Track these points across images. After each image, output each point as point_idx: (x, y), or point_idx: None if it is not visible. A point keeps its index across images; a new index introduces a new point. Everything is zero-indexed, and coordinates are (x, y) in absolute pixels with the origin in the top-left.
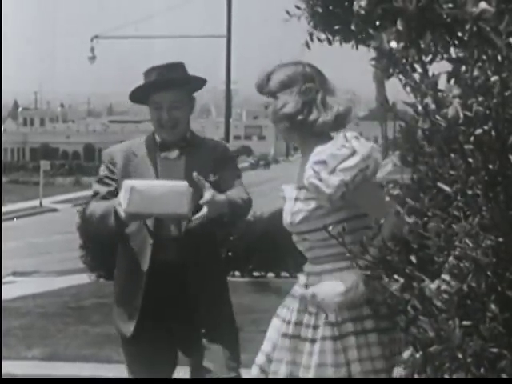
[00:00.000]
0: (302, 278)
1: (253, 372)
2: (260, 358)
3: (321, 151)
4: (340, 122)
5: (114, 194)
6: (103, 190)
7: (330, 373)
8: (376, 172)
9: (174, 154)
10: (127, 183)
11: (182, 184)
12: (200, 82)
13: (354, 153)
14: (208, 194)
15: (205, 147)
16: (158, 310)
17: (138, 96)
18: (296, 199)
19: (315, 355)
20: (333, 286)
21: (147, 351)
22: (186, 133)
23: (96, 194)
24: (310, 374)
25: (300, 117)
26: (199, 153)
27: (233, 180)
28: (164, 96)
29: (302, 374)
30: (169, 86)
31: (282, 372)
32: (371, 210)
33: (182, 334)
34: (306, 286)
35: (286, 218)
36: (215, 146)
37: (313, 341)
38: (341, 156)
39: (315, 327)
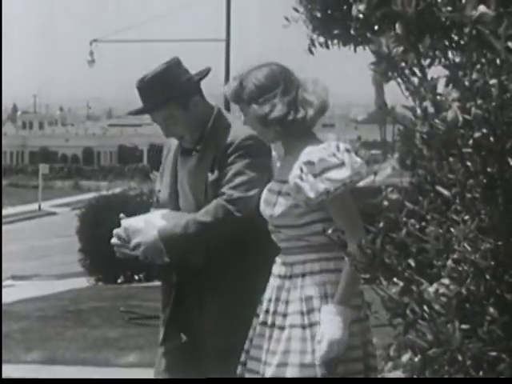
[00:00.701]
0: (275, 269)
1: (238, 372)
2: (242, 355)
3: (311, 152)
4: (321, 113)
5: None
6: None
7: (295, 360)
8: (356, 183)
9: (192, 156)
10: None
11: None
12: (196, 81)
13: (342, 165)
14: (135, 240)
15: (215, 142)
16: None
17: (137, 114)
18: (279, 193)
19: (282, 342)
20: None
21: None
22: (203, 135)
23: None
24: (275, 361)
25: (290, 117)
26: (209, 149)
27: (219, 187)
28: (155, 116)
29: (268, 359)
30: (150, 109)
31: (253, 355)
32: (342, 219)
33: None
34: (278, 276)
35: (266, 209)
36: (222, 141)
37: (281, 328)
38: (330, 163)
39: (285, 315)
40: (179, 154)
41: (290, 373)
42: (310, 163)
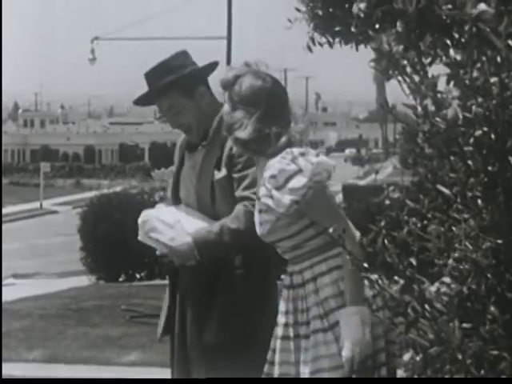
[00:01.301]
0: (286, 279)
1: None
2: (266, 367)
3: (271, 166)
4: (289, 146)
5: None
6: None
7: (325, 364)
8: (328, 178)
9: (197, 148)
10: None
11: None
12: (202, 72)
13: (300, 171)
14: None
15: (222, 139)
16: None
17: (142, 103)
18: (260, 211)
19: (310, 350)
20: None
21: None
22: (208, 130)
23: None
24: (307, 369)
25: (252, 145)
26: (215, 145)
27: (237, 184)
28: (160, 105)
29: (301, 369)
30: (152, 98)
31: (281, 373)
32: (323, 220)
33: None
34: (290, 286)
35: (257, 229)
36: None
37: (306, 336)
38: (290, 172)
39: (308, 323)
40: (185, 149)
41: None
42: (272, 177)
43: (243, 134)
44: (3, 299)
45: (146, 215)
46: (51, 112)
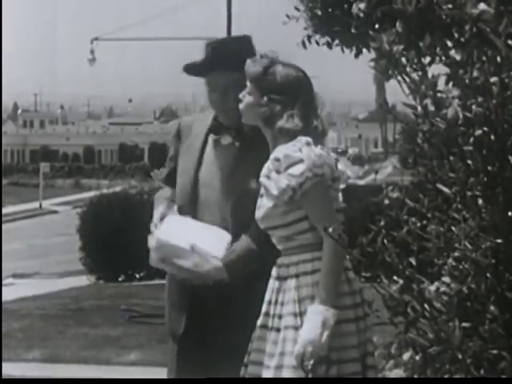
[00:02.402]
0: (274, 271)
1: (241, 374)
2: (245, 357)
3: (279, 150)
4: (320, 138)
5: (171, 177)
6: (164, 172)
7: (288, 362)
8: (331, 179)
9: (227, 140)
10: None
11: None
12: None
13: (302, 160)
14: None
15: (260, 139)
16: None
17: (193, 71)
18: (261, 195)
19: (279, 344)
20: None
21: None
22: (241, 126)
23: (164, 170)
24: (273, 363)
25: (302, 133)
26: (256, 144)
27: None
28: (217, 78)
29: (266, 361)
30: (217, 67)
31: (252, 359)
32: (315, 217)
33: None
34: (277, 278)
35: (256, 213)
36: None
37: (277, 330)
38: (293, 159)
39: (280, 317)
40: (210, 143)
41: (286, 375)
42: (276, 160)
43: (292, 124)
44: (3, 299)
45: (158, 240)
46: (51, 112)
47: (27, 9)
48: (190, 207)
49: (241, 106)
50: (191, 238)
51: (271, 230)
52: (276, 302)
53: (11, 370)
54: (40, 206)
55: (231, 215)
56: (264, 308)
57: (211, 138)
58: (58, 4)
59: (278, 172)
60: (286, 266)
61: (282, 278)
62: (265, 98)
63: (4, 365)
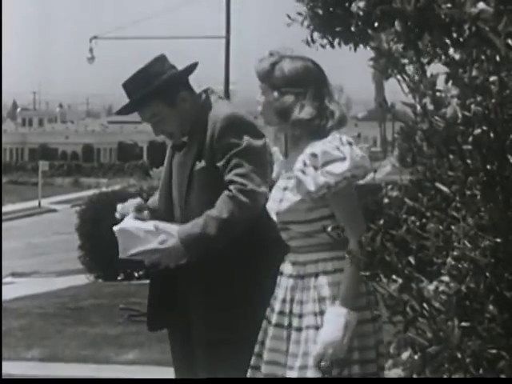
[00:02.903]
0: (286, 268)
1: (248, 375)
2: (253, 359)
3: (315, 145)
4: (339, 125)
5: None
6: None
7: (312, 362)
8: (361, 179)
9: (180, 154)
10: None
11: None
12: (183, 76)
13: (344, 159)
14: (153, 243)
15: (200, 130)
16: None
17: (127, 113)
18: (285, 188)
19: (302, 344)
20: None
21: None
22: (190, 127)
23: None
24: (297, 363)
25: (315, 122)
26: (195, 138)
27: (224, 172)
28: (142, 114)
29: (289, 362)
30: (134, 108)
31: (270, 361)
32: (343, 217)
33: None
34: (290, 276)
35: (273, 206)
36: (205, 126)
37: (298, 329)
38: (332, 156)
39: (300, 316)
40: (172, 151)
41: (310, 375)
42: (313, 155)
43: (304, 114)
44: (2, 298)
45: (120, 229)
46: (50, 111)
47: (27, 8)
48: (163, 207)
49: (259, 107)
50: (152, 223)
51: (291, 225)
52: (292, 300)
53: (10, 368)
54: (39, 204)
55: (185, 207)
56: (277, 306)
57: (174, 156)
58: (57, 3)
59: (316, 168)
60: (302, 264)
61: (298, 276)
62: (275, 93)
63: (3, 364)
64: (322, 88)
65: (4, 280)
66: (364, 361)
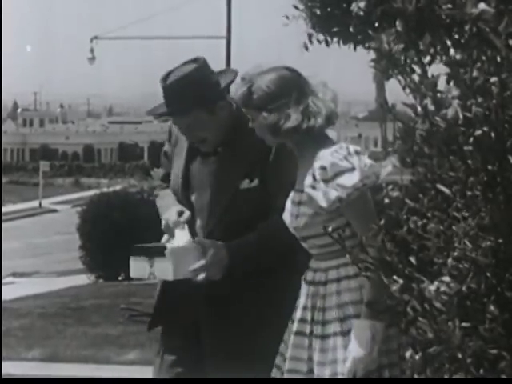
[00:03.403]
0: (308, 275)
1: (273, 373)
2: (278, 359)
3: (323, 157)
4: (329, 123)
5: (167, 178)
6: (162, 170)
7: (341, 369)
8: (372, 185)
9: (211, 154)
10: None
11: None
12: (221, 87)
13: (353, 169)
14: (204, 259)
15: (244, 143)
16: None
17: (156, 116)
18: (299, 203)
19: (329, 352)
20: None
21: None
22: (224, 139)
23: (160, 171)
24: (327, 371)
25: (304, 126)
26: (236, 151)
27: (276, 194)
28: (179, 121)
29: (317, 371)
30: (172, 114)
31: (291, 369)
32: (359, 225)
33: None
34: (312, 282)
35: (291, 221)
36: (258, 142)
37: (323, 337)
38: (341, 168)
39: (324, 323)
40: (193, 155)
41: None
42: (322, 169)
43: (291, 123)
44: (3, 298)
45: (173, 249)
46: (50, 111)
47: (27, 8)
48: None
49: (256, 133)
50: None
51: (311, 239)
52: (314, 307)
53: (11, 368)
54: (40, 204)
55: (219, 219)
56: (298, 314)
57: (197, 158)
58: (57, 3)
59: (325, 181)
60: (323, 271)
61: (319, 283)
62: (264, 114)
63: (4, 364)
64: (303, 90)
65: (5, 280)
66: (392, 364)
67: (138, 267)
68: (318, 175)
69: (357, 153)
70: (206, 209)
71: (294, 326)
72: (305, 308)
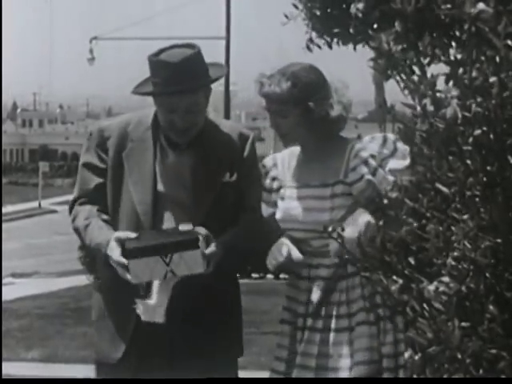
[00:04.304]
0: (313, 272)
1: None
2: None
3: (364, 148)
4: (349, 112)
5: (102, 188)
6: (89, 183)
7: (365, 357)
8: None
9: (181, 146)
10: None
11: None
12: (220, 72)
13: (398, 155)
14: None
15: (219, 138)
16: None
17: (143, 91)
18: (332, 196)
19: (356, 340)
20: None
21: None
22: (201, 129)
23: (84, 187)
24: (349, 361)
25: (345, 115)
26: (211, 146)
27: (249, 188)
28: (179, 100)
29: (341, 363)
30: (187, 92)
31: (299, 363)
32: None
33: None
34: (323, 278)
35: (315, 216)
36: (232, 137)
37: (341, 330)
38: (386, 155)
39: (349, 316)
40: (165, 150)
41: (357, 372)
42: (372, 157)
43: (335, 111)
44: (2, 298)
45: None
46: (50, 112)
47: (26, 8)
48: (152, 220)
49: (282, 132)
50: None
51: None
52: (328, 302)
53: (10, 369)
54: (39, 205)
55: (206, 219)
56: (310, 309)
57: (162, 145)
58: (57, 3)
59: (381, 168)
60: (334, 266)
61: (332, 278)
62: (310, 104)
63: (3, 364)
64: (328, 82)
65: (4, 281)
66: (398, 367)
67: (149, 268)
68: (373, 163)
69: (389, 139)
70: (191, 204)
71: (309, 322)
72: (316, 303)
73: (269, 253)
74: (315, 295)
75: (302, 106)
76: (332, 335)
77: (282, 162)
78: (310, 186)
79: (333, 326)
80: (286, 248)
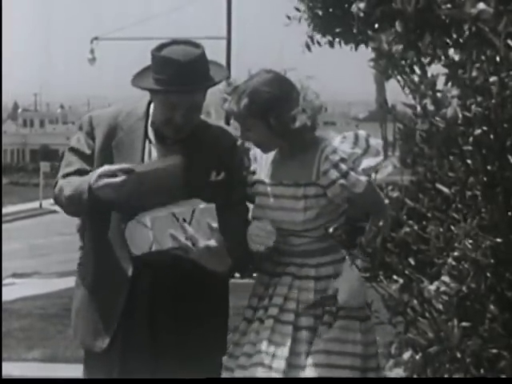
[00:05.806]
0: (310, 271)
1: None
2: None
3: (335, 149)
4: (319, 112)
5: (84, 173)
6: (73, 166)
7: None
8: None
9: (170, 141)
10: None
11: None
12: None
13: (370, 153)
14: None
15: (208, 136)
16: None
17: (146, 86)
18: (305, 196)
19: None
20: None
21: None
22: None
23: (67, 169)
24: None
25: (309, 123)
26: (200, 144)
27: (235, 189)
28: (182, 98)
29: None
30: (193, 92)
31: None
32: (374, 204)
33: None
34: (318, 278)
35: (290, 216)
36: (221, 136)
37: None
38: (357, 154)
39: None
40: (151, 142)
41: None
42: (342, 160)
43: (298, 122)
44: (3, 299)
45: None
46: (51, 112)
47: (27, 8)
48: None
49: (254, 143)
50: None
51: (312, 232)
52: (289, 298)
53: (11, 369)
54: (40, 205)
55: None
56: (282, 304)
57: (152, 136)
58: (58, 3)
59: (352, 170)
60: (313, 267)
61: (312, 278)
62: (270, 120)
63: (4, 364)
64: (295, 88)
65: (5, 281)
66: (368, 356)
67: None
68: (343, 166)
69: (369, 136)
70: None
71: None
72: (286, 299)
73: (251, 234)
74: (279, 291)
75: (263, 121)
76: (279, 326)
77: (260, 157)
78: (283, 184)
79: (285, 318)
80: (273, 231)
